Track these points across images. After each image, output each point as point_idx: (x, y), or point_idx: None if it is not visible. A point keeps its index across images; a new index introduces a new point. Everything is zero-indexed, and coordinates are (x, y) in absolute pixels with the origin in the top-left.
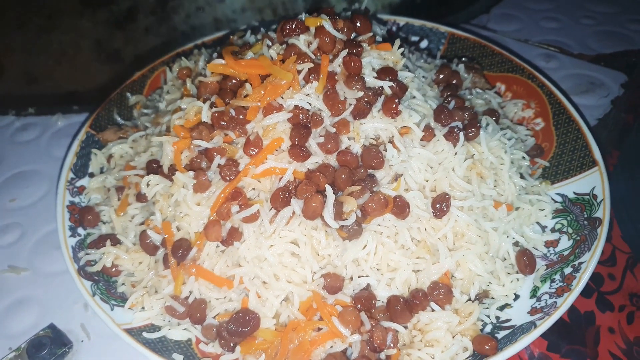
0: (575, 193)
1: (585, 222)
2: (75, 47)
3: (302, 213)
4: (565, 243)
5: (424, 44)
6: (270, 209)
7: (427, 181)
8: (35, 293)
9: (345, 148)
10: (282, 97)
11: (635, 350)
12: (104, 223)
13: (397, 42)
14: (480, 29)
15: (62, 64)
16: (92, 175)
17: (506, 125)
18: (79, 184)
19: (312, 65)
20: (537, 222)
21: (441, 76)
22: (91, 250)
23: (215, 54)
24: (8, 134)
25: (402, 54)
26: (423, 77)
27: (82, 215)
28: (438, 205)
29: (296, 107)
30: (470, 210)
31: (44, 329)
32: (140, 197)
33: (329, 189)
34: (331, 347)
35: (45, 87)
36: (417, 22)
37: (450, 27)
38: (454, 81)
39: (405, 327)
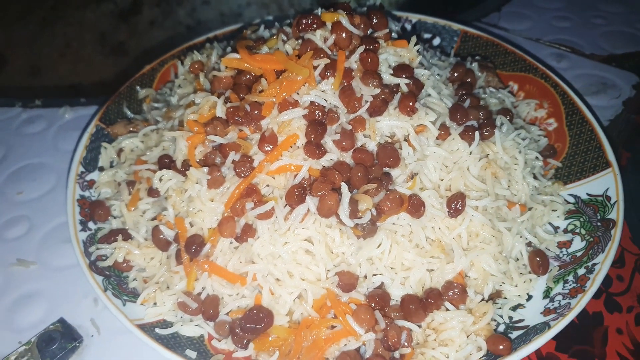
0: (588, 194)
1: (599, 224)
2: (80, 39)
3: (317, 211)
4: (578, 244)
5: (436, 41)
6: (285, 206)
7: (442, 180)
8: (44, 287)
9: (361, 146)
10: (298, 93)
11: None
12: (115, 217)
13: (414, 39)
14: (491, 28)
15: (66, 56)
16: (102, 169)
17: (520, 125)
18: (88, 177)
19: (328, 61)
20: (550, 223)
21: (456, 74)
22: (102, 245)
23: (229, 48)
24: (14, 126)
25: (417, 51)
26: (438, 75)
27: (92, 210)
28: (453, 205)
29: (312, 103)
30: (484, 210)
31: (53, 323)
32: (152, 192)
33: (344, 187)
34: (345, 345)
35: (49, 79)
36: (430, 20)
37: (463, 25)
38: (469, 80)
39: (420, 326)
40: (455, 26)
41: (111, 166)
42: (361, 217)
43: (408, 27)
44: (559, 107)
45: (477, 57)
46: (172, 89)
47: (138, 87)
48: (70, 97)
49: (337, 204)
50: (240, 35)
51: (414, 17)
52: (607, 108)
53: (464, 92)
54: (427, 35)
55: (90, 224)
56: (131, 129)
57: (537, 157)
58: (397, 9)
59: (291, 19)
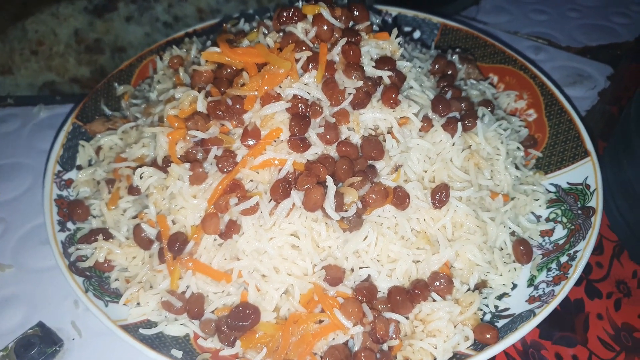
0: (568, 183)
1: (579, 212)
2: (53, 36)
3: (302, 205)
4: (560, 232)
5: (416, 34)
6: (270, 201)
7: (425, 172)
8: (21, 290)
9: (345, 139)
10: (280, 87)
11: (623, 336)
12: (94, 217)
13: (395, 31)
14: (470, 21)
15: (39, 53)
16: (80, 167)
17: (501, 116)
18: (66, 176)
19: (310, 53)
20: (532, 212)
21: (437, 66)
22: (82, 245)
23: (209, 43)
24: None
25: (399, 43)
26: (419, 67)
27: (71, 209)
28: (438, 196)
29: (295, 96)
30: (468, 201)
31: (32, 327)
32: (132, 190)
33: (329, 181)
34: (333, 339)
35: (21, 76)
36: (409, 13)
37: (442, 18)
38: (450, 72)
39: (407, 318)
40: (435, 19)
41: (90, 164)
42: (347, 210)
43: (388, 20)
44: (538, 98)
45: (457, 50)
46: (151, 85)
47: (116, 84)
48: (44, 95)
49: (322, 198)
50: (220, 29)
51: (394, 11)
52: (583, 99)
53: (445, 84)
54: (407, 29)
55: (69, 224)
56: (110, 126)
57: (518, 148)
58: (377, 2)
59: (272, 12)
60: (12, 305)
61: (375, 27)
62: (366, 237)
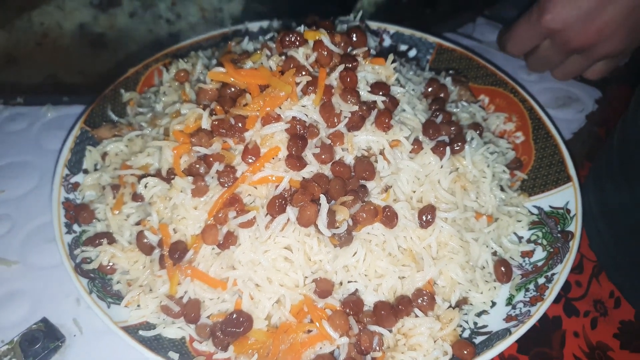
0: (550, 206)
1: (559, 235)
2: (58, 28)
3: (296, 220)
4: (539, 254)
5: (412, 53)
6: (266, 215)
7: (414, 192)
8: (26, 286)
9: (339, 159)
10: (280, 108)
11: (597, 354)
12: (99, 220)
13: (391, 57)
14: (465, 38)
15: (44, 45)
16: (86, 171)
17: (489, 139)
18: (73, 180)
19: (310, 78)
20: (514, 233)
21: (430, 89)
22: (87, 248)
23: (214, 60)
24: None
25: (394, 68)
26: (413, 89)
27: (77, 212)
28: (424, 217)
29: (294, 118)
30: (453, 222)
31: (36, 322)
32: (136, 197)
33: (323, 199)
34: (320, 348)
35: (25, 67)
36: (407, 31)
37: (438, 38)
38: (442, 94)
39: (390, 331)
40: (431, 39)
41: (95, 169)
42: (338, 227)
43: (386, 38)
44: (526, 121)
45: (450, 71)
46: (156, 94)
47: (122, 90)
48: (50, 91)
49: (315, 215)
50: (224, 45)
51: (392, 29)
52: (572, 121)
53: (437, 107)
54: (403, 47)
55: (75, 227)
56: (116, 132)
57: (504, 171)
58: (375, 9)
59: (274, 33)
60: (17, 300)
61: (372, 52)
62: (355, 253)
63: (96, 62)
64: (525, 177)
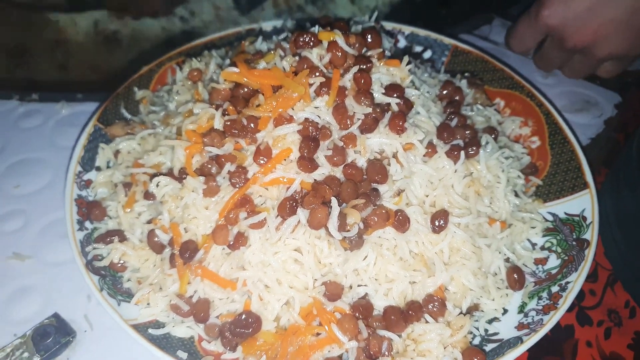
0: (566, 213)
1: (574, 243)
2: (73, 25)
3: (307, 223)
4: (553, 262)
5: (427, 54)
6: (277, 217)
7: (427, 196)
8: (39, 281)
9: (351, 161)
10: (293, 109)
11: None
12: (111, 218)
13: (406, 58)
14: (481, 40)
15: (59, 42)
16: (98, 168)
17: (504, 143)
18: (86, 177)
19: (323, 79)
20: (528, 239)
21: (445, 92)
22: (98, 245)
23: (227, 60)
24: (12, 119)
25: (409, 70)
26: (427, 92)
27: (89, 209)
28: (437, 222)
29: (306, 119)
30: (466, 227)
31: (48, 317)
32: (148, 195)
33: (334, 202)
34: (329, 352)
35: (42, 62)
36: (422, 32)
37: (454, 40)
38: (457, 97)
39: (400, 336)
40: (447, 40)
41: (108, 167)
42: (349, 231)
43: (401, 39)
44: (542, 126)
45: (466, 74)
46: (169, 92)
47: (135, 88)
48: (64, 88)
49: (326, 217)
50: (238, 45)
51: (407, 30)
52: (589, 126)
53: (452, 110)
54: (418, 48)
55: (87, 224)
56: (128, 130)
57: (519, 176)
58: (390, 9)
59: (288, 33)
60: (30, 294)
61: (387, 53)
62: (366, 257)
63: (110, 59)
64: (541, 182)
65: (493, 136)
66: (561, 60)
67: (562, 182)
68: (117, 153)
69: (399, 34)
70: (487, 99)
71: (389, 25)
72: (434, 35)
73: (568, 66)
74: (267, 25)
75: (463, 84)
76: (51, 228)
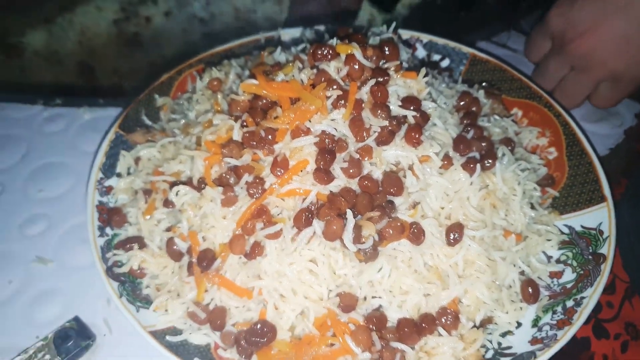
0: (582, 226)
1: (590, 257)
2: (96, 27)
3: (322, 234)
4: (569, 275)
5: (445, 62)
6: (293, 228)
7: (442, 209)
8: (60, 285)
9: (367, 173)
10: (310, 121)
11: None
12: (130, 224)
13: (423, 71)
14: (499, 47)
15: (82, 44)
16: (119, 175)
17: (520, 155)
18: (107, 183)
19: (340, 92)
20: (543, 252)
21: (462, 103)
22: (119, 251)
23: (246, 71)
24: (36, 124)
25: (426, 82)
26: (444, 103)
27: (110, 216)
28: (452, 235)
29: (323, 132)
30: (481, 240)
31: (69, 320)
32: (167, 203)
33: (349, 214)
34: None
35: (65, 64)
36: (440, 41)
37: (472, 48)
38: (474, 108)
39: (413, 349)
40: (465, 49)
41: (128, 173)
42: (364, 242)
43: (419, 47)
44: (560, 137)
45: (484, 84)
46: (189, 101)
47: (156, 95)
48: (86, 93)
49: (341, 229)
50: (257, 53)
51: (425, 38)
52: (609, 136)
53: (468, 122)
54: (436, 57)
55: (107, 230)
56: (149, 138)
57: (535, 188)
58: (409, 12)
59: (306, 44)
60: (52, 298)
61: (404, 64)
62: (381, 269)
63: (131, 61)
64: (557, 194)
65: (510, 148)
66: (559, 75)
67: (579, 194)
68: (137, 160)
69: (417, 42)
70: (504, 109)
71: (407, 34)
72: (452, 43)
73: (560, 87)
74: (286, 34)
75: (480, 94)
76: (73, 232)
